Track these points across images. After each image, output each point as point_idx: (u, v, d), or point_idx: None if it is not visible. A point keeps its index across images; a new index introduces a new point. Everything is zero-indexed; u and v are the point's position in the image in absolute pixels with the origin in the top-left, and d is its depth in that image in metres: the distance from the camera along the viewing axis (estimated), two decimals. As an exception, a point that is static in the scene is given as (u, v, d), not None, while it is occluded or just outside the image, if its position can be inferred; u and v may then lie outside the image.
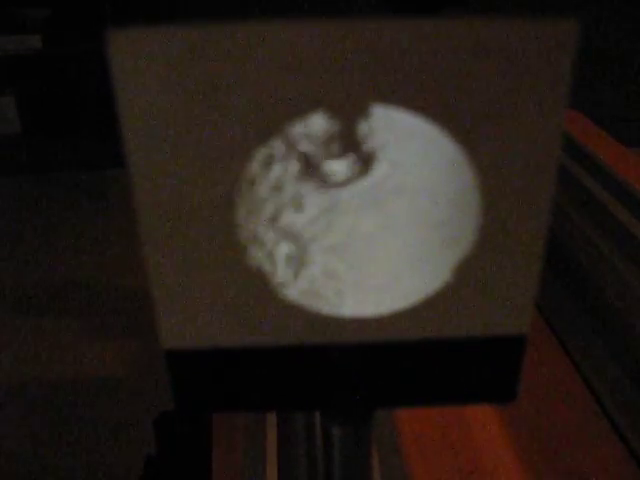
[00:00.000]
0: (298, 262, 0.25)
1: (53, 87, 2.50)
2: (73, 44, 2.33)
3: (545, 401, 0.62)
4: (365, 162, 0.23)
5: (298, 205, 0.24)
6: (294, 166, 0.23)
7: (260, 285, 0.25)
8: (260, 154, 0.22)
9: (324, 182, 0.23)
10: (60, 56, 2.40)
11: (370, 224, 0.24)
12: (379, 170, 0.23)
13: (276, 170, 0.23)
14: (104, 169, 2.46)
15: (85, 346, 1.64)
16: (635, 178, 0.92)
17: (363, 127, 0.22)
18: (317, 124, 0.22)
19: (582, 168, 0.95)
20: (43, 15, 2.35)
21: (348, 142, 0.22)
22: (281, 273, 0.25)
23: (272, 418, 0.57)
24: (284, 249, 0.24)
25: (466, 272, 0.25)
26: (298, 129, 0.22)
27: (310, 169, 0.23)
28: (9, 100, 2.44)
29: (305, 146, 0.22)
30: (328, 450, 0.30)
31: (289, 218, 0.24)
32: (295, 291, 0.25)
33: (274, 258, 0.25)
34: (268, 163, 0.23)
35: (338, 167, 0.23)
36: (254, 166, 0.23)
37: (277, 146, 0.22)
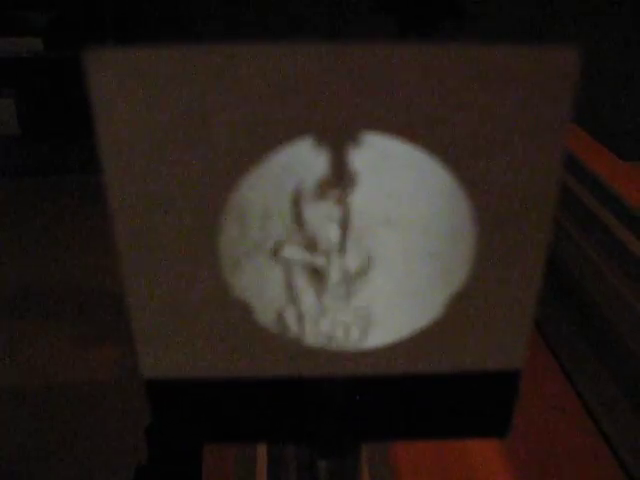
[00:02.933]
0: (285, 295, 0.24)
1: (53, 90, 2.50)
2: (74, 47, 2.33)
3: (541, 419, 0.61)
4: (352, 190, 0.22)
5: (287, 236, 0.23)
6: (282, 198, 0.22)
7: (244, 315, 0.24)
8: (247, 183, 0.21)
9: (312, 215, 0.22)
10: (61, 59, 2.39)
11: (360, 256, 0.23)
12: (368, 199, 0.22)
13: (264, 200, 0.22)
14: (102, 172, 2.45)
15: (77, 351, 1.63)
16: (632, 193, 0.91)
17: (353, 154, 0.21)
18: (305, 153, 0.21)
19: (579, 182, 0.94)
20: (45, 18, 2.34)
21: (337, 171, 0.21)
22: (267, 306, 0.24)
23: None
24: (271, 282, 0.23)
25: (459, 306, 0.24)
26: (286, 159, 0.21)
27: (299, 202, 0.22)
28: (8, 102, 2.43)
29: (293, 177, 0.21)
30: (314, 483, 0.29)
31: (276, 249, 0.23)
32: (282, 323, 0.24)
33: (261, 291, 0.24)
34: (255, 193, 0.22)
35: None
36: (240, 194, 0.22)
37: (265, 176, 0.21)
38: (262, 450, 0.55)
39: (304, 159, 0.21)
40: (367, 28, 2.23)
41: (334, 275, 0.23)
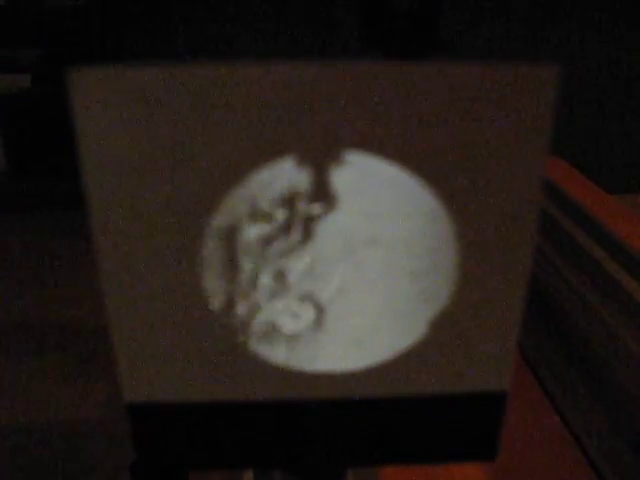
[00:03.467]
0: (269, 316, 0.24)
1: (40, 126, 2.50)
2: (62, 84, 2.34)
3: (525, 445, 0.60)
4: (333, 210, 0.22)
5: (269, 259, 0.22)
6: (262, 223, 0.22)
7: (228, 338, 0.24)
8: (228, 202, 0.21)
9: (294, 236, 0.22)
10: (48, 96, 2.40)
11: (343, 276, 0.23)
12: (350, 220, 0.22)
13: (245, 220, 0.22)
14: (84, 192, 2.44)
15: (65, 388, 1.60)
16: (617, 224, 0.92)
17: (335, 174, 0.21)
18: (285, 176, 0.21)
19: (565, 214, 0.95)
20: (33, 55, 2.36)
21: (318, 190, 0.21)
22: (250, 327, 0.24)
23: (249, 473, 0.55)
24: (255, 303, 0.23)
25: (443, 326, 0.24)
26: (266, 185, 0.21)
27: (278, 226, 0.22)
28: (-4, 138, 2.44)
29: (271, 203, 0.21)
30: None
31: (259, 272, 0.23)
32: (265, 345, 0.24)
33: (244, 313, 0.23)
34: (236, 213, 0.22)
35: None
36: (220, 214, 0.22)
37: (246, 196, 0.21)
38: (248, 476, 0.54)
39: (286, 179, 0.21)
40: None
41: (317, 297, 0.23)
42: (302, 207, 0.21)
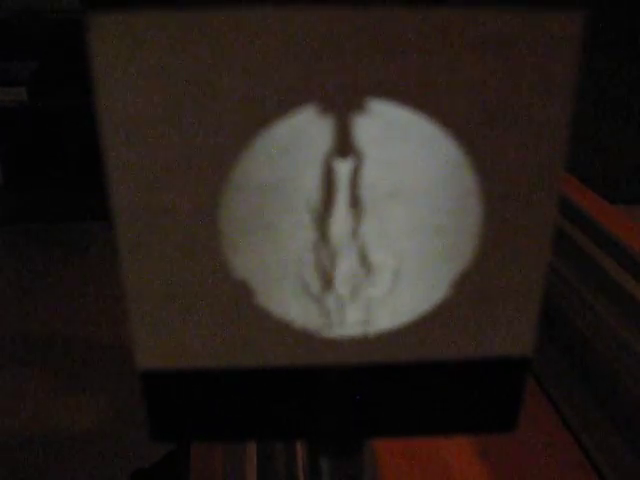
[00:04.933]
0: (286, 275, 0.23)
1: (37, 139, 2.50)
2: (58, 97, 2.34)
3: (528, 449, 0.60)
4: (358, 162, 0.21)
5: (290, 213, 0.22)
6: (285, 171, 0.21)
7: (244, 300, 0.23)
8: (249, 155, 0.21)
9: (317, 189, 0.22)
10: (45, 108, 2.40)
11: (364, 231, 0.22)
12: (373, 171, 0.21)
13: (267, 173, 0.21)
14: (86, 222, 2.44)
15: (59, 400, 1.59)
16: (623, 232, 0.92)
17: (359, 124, 0.21)
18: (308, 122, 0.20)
19: (571, 223, 0.95)
20: (29, 68, 2.36)
21: (342, 141, 0.21)
22: (269, 288, 0.23)
23: (252, 465, 0.55)
24: (273, 261, 0.23)
25: (466, 285, 0.23)
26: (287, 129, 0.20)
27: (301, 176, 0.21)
28: (-8, 151, 2.43)
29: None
30: (316, 485, 0.28)
31: (278, 227, 0.22)
32: (283, 307, 0.23)
33: (262, 271, 0.23)
34: (258, 165, 0.21)
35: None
36: (241, 167, 0.21)
37: (267, 148, 0.21)
38: (251, 450, 0.53)
39: (308, 129, 0.21)
40: None
41: (338, 254, 0.23)
42: (327, 160, 0.21)
